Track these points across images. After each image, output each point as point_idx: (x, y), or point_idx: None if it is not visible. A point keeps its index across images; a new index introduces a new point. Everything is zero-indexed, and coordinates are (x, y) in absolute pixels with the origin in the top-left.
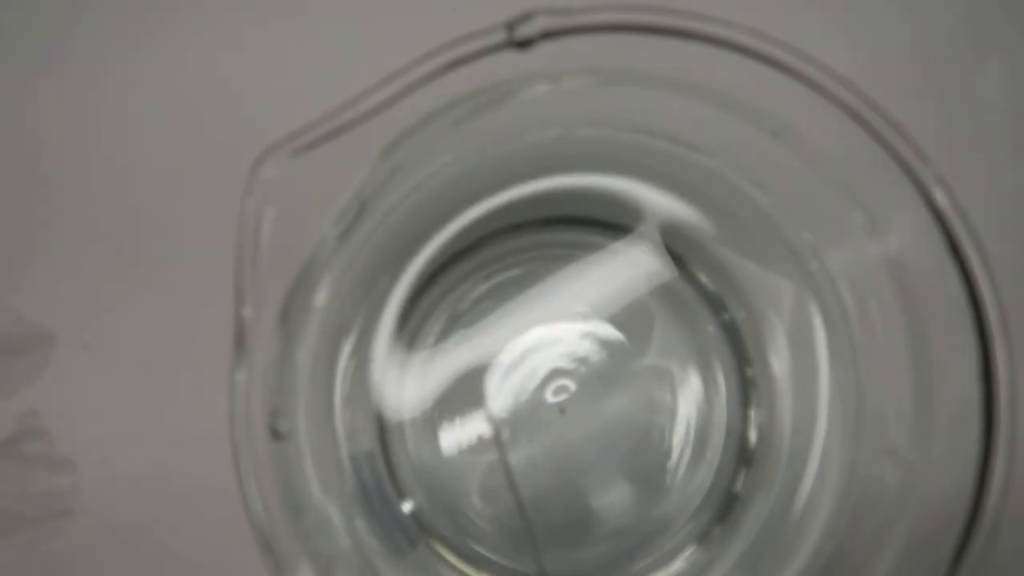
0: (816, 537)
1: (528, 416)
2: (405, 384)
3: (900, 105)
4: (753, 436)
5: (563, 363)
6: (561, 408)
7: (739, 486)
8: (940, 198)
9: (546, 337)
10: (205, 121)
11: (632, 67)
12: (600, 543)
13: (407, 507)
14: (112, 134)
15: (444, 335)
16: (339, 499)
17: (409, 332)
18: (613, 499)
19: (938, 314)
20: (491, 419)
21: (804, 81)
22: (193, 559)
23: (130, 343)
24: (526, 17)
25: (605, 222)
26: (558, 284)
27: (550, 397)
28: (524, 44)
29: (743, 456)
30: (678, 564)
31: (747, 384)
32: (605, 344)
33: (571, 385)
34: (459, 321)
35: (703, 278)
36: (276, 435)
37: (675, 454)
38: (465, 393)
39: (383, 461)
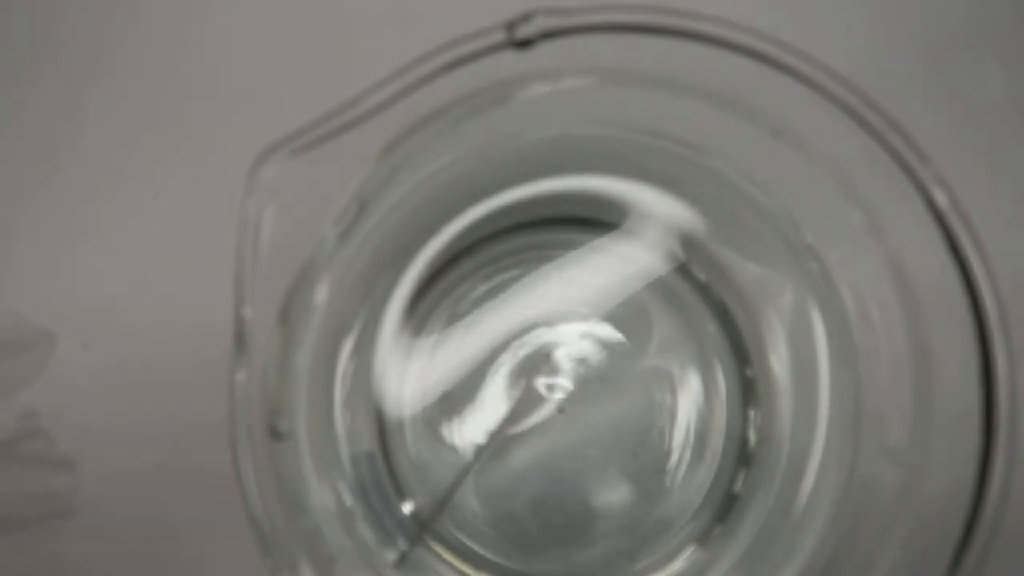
0: (816, 537)
1: (528, 416)
2: (405, 384)
3: (900, 105)
4: (753, 436)
5: (563, 363)
6: (560, 408)
7: (739, 486)
8: (940, 198)
9: (546, 337)
10: (205, 121)
11: (632, 67)
12: (600, 543)
13: (407, 507)
14: (111, 133)
15: (444, 335)
16: (339, 499)
17: (409, 332)
18: (613, 499)
19: (938, 314)
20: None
21: (804, 81)
22: (193, 559)
23: (130, 343)
24: (526, 17)
25: (605, 222)
26: (558, 284)
27: (548, 395)
28: (524, 44)
29: (743, 456)
30: (678, 564)
31: (747, 384)
32: (605, 344)
33: (571, 385)
34: (459, 321)
35: (703, 278)
36: (276, 435)
37: (675, 454)
38: (465, 394)
39: (383, 461)
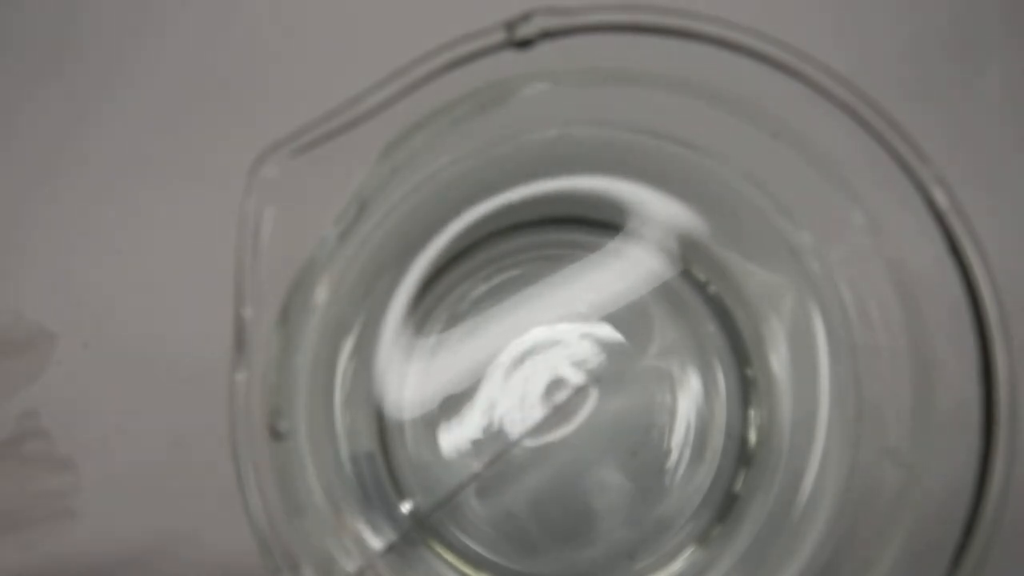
0: (816, 537)
1: (528, 416)
2: (405, 384)
3: (900, 105)
4: (753, 436)
5: (563, 363)
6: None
7: (739, 486)
8: (940, 198)
9: (546, 338)
10: (205, 121)
11: (632, 67)
12: (600, 543)
13: (407, 507)
14: (111, 133)
15: (444, 336)
16: (339, 499)
17: (409, 332)
18: (613, 499)
19: (938, 314)
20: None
21: (804, 81)
22: (193, 559)
23: (130, 343)
24: (526, 17)
25: (605, 222)
26: (558, 284)
27: (550, 397)
28: (524, 44)
29: (743, 456)
30: (678, 564)
31: (747, 384)
32: (605, 344)
33: (571, 385)
34: (459, 322)
35: (703, 278)
36: (276, 435)
37: (675, 454)
38: (465, 394)
39: (383, 461)
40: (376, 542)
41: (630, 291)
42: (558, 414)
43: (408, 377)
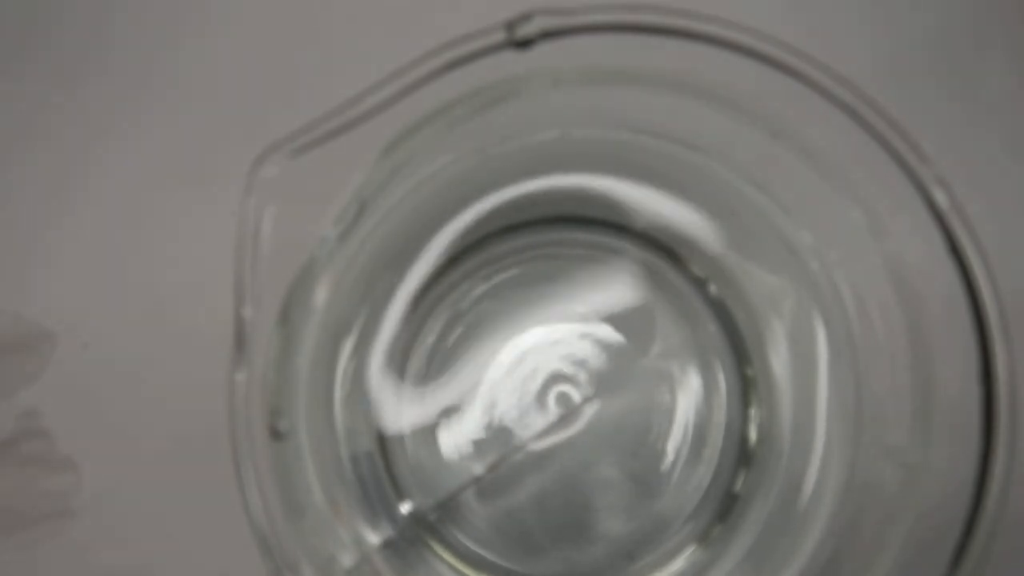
0: (816, 537)
1: (528, 416)
2: (405, 384)
3: (900, 105)
4: (753, 436)
5: (563, 363)
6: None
7: (739, 486)
8: (940, 198)
9: (546, 337)
10: (205, 121)
11: (632, 67)
12: (600, 543)
13: (406, 507)
14: (111, 133)
15: (444, 335)
16: (339, 499)
17: (409, 332)
18: (613, 499)
19: (938, 314)
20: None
21: (804, 81)
22: (193, 559)
23: (130, 343)
24: (526, 17)
25: (605, 222)
26: (558, 284)
27: (549, 397)
28: (524, 44)
29: (743, 456)
30: (678, 564)
31: (747, 384)
32: (605, 344)
33: (570, 386)
34: (459, 321)
35: (703, 277)
36: (276, 435)
37: (675, 454)
38: (465, 393)
39: (382, 461)
40: (374, 537)
41: (630, 291)
42: (562, 422)
43: (408, 377)
